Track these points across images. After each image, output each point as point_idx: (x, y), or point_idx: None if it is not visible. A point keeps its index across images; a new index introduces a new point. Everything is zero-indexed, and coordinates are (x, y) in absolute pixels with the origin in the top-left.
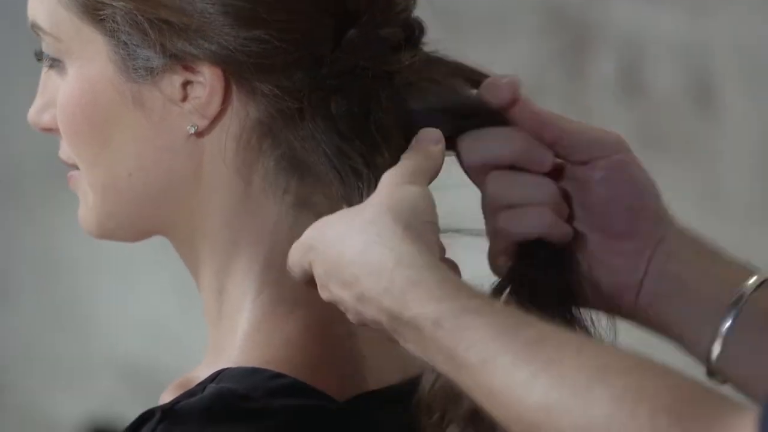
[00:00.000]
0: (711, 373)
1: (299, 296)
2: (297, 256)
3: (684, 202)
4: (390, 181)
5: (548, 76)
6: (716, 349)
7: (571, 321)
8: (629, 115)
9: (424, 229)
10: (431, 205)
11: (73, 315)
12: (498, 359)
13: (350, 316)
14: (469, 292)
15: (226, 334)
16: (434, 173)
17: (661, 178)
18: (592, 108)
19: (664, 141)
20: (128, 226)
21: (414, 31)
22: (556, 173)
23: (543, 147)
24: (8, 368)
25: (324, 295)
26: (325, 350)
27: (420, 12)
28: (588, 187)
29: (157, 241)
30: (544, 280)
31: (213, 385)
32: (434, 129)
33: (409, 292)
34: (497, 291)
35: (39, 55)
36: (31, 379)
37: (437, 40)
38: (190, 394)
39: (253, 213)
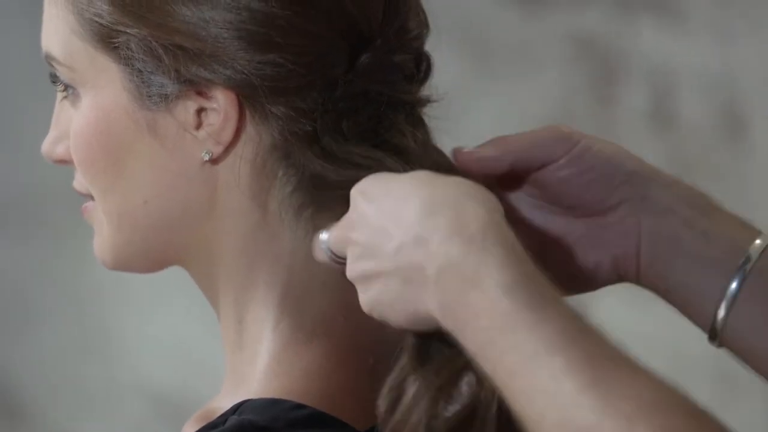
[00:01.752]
0: (713, 337)
1: (318, 325)
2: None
3: None
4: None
5: (578, 106)
6: (720, 315)
7: None
8: (659, 145)
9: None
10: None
11: (100, 342)
12: (553, 358)
13: (378, 290)
14: (547, 281)
15: (246, 363)
16: None
17: None
18: (622, 138)
19: (694, 170)
20: (143, 255)
21: (423, 65)
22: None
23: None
24: (35, 396)
25: (357, 268)
26: (346, 380)
27: (451, 41)
28: (557, 185)
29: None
30: None
31: (235, 417)
32: None
33: (488, 252)
34: None
35: (53, 78)
36: (58, 407)
37: (469, 70)
38: (212, 426)
39: (269, 240)
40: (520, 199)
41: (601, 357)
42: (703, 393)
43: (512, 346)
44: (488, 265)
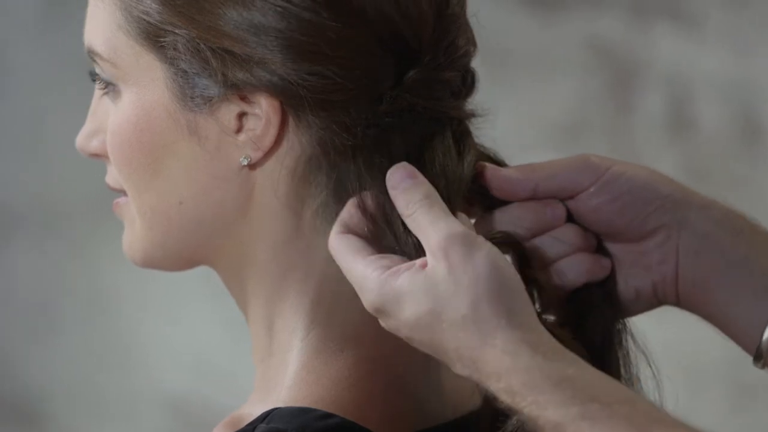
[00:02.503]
0: (758, 359)
1: (349, 335)
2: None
3: None
4: (457, 251)
5: (595, 113)
6: (766, 336)
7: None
8: (675, 152)
9: (519, 300)
10: (504, 260)
11: (118, 349)
12: None
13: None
14: (585, 390)
15: (276, 371)
16: (442, 203)
17: None
18: (639, 145)
19: (710, 177)
20: (174, 255)
21: (468, 80)
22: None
23: (550, 206)
24: (52, 404)
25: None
26: (375, 389)
27: None
28: (591, 213)
29: (203, 274)
30: (602, 316)
31: (263, 425)
32: (397, 167)
33: (527, 395)
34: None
35: (93, 76)
36: (75, 414)
37: (486, 77)
38: None
39: (303, 249)
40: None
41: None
42: (718, 400)
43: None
44: (530, 409)
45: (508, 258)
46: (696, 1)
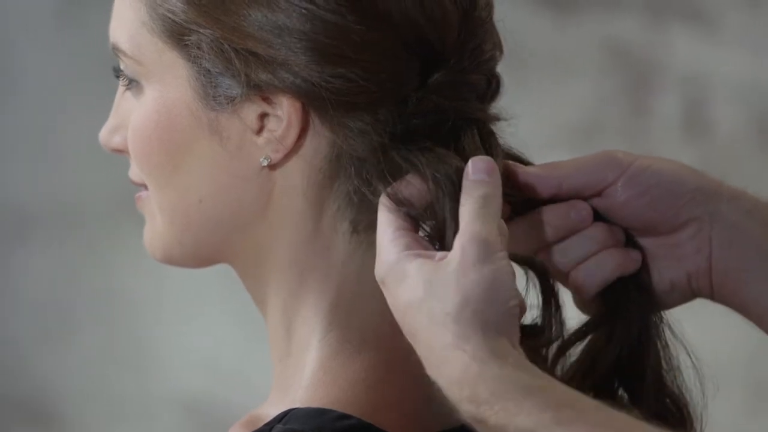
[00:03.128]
0: None
1: (367, 337)
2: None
3: None
4: (473, 253)
5: (611, 115)
6: None
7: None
8: (692, 154)
9: (504, 320)
10: (510, 282)
11: (132, 349)
12: None
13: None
14: (557, 398)
15: (293, 371)
16: (499, 208)
17: None
18: (654, 146)
19: (726, 179)
20: (193, 252)
21: (492, 84)
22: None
23: (576, 207)
24: (67, 404)
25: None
26: (392, 391)
27: None
28: (620, 209)
29: (217, 274)
30: (638, 309)
31: (280, 426)
32: (482, 158)
33: (495, 404)
34: (591, 329)
35: (117, 72)
36: (90, 416)
37: (503, 78)
38: None
39: (322, 250)
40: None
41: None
42: (734, 400)
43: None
44: (497, 417)
45: (522, 285)
46: (712, 3)
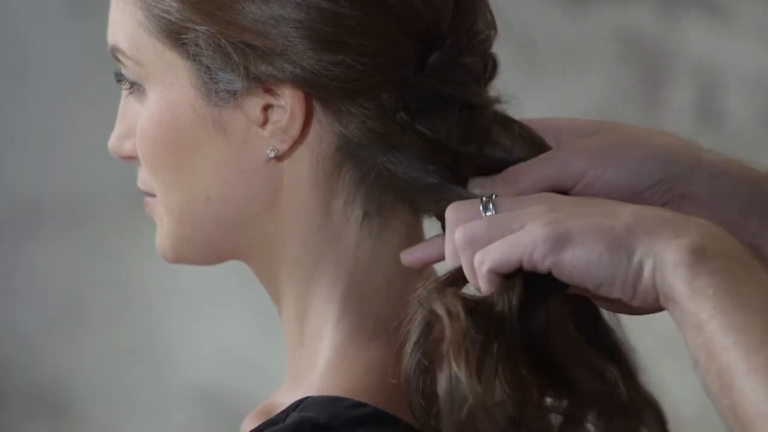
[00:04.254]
0: None
1: (380, 324)
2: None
3: None
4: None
5: (624, 105)
6: None
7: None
8: (705, 144)
9: None
10: None
11: (147, 344)
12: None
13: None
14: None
15: (307, 360)
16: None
17: None
18: None
19: None
20: (204, 250)
21: (488, 66)
22: None
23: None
24: (82, 398)
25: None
26: None
27: (498, 41)
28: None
29: (231, 268)
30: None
31: (295, 414)
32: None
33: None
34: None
35: (119, 77)
36: (104, 409)
37: (515, 69)
38: (272, 422)
39: (333, 238)
40: None
41: None
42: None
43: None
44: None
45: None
46: None
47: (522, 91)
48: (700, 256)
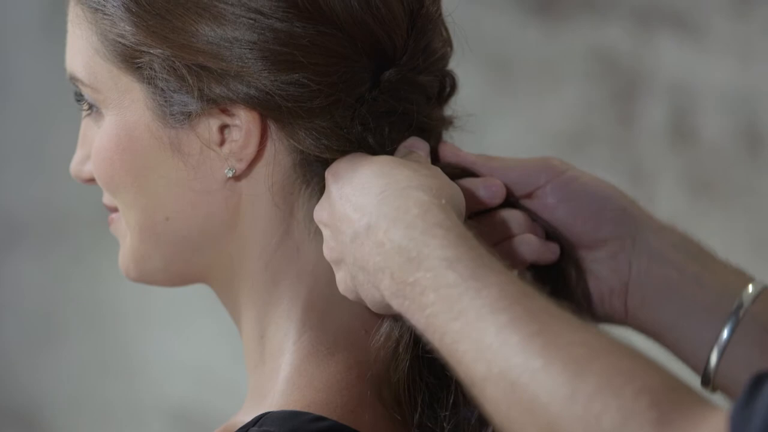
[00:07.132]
0: (706, 382)
1: (340, 339)
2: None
3: (734, 249)
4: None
5: (598, 122)
6: (713, 359)
7: None
8: (678, 162)
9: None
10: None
11: (121, 360)
12: (497, 317)
13: (344, 274)
14: (489, 254)
15: (268, 377)
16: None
17: (711, 224)
18: (641, 154)
19: (714, 188)
20: (165, 269)
21: (447, 83)
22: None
23: (486, 183)
24: (55, 412)
25: (327, 252)
26: (366, 392)
27: (473, 58)
28: (546, 211)
29: (204, 287)
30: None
31: (255, 428)
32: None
33: (429, 234)
34: None
35: (78, 97)
36: (78, 424)
37: (490, 86)
38: None
39: (293, 255)
40: None
41: (545, 313)
42: None
43: (458, 314)
44: (429, 245)
45: None
46: (700, 11)
47: (496, 107)
48: None
